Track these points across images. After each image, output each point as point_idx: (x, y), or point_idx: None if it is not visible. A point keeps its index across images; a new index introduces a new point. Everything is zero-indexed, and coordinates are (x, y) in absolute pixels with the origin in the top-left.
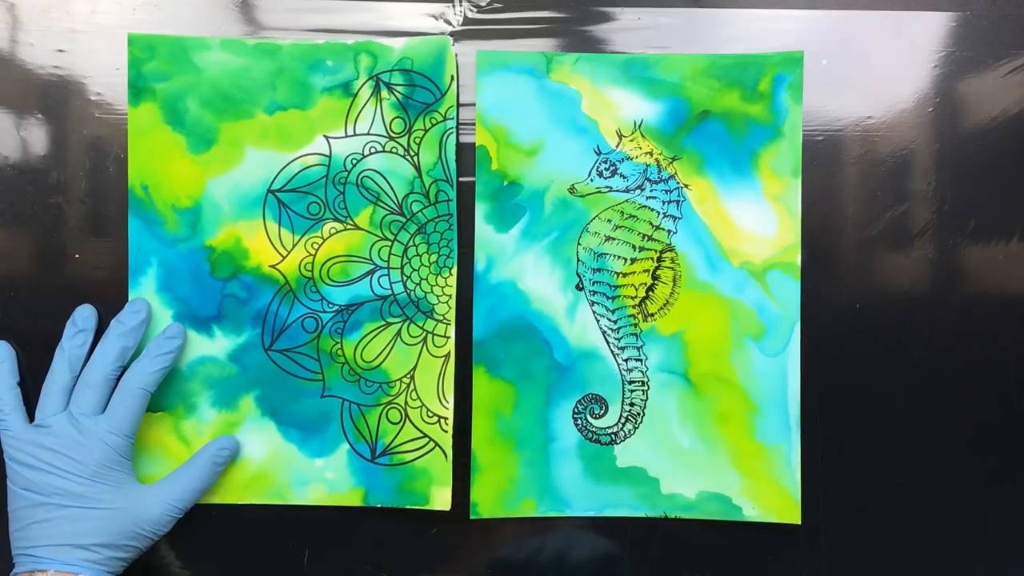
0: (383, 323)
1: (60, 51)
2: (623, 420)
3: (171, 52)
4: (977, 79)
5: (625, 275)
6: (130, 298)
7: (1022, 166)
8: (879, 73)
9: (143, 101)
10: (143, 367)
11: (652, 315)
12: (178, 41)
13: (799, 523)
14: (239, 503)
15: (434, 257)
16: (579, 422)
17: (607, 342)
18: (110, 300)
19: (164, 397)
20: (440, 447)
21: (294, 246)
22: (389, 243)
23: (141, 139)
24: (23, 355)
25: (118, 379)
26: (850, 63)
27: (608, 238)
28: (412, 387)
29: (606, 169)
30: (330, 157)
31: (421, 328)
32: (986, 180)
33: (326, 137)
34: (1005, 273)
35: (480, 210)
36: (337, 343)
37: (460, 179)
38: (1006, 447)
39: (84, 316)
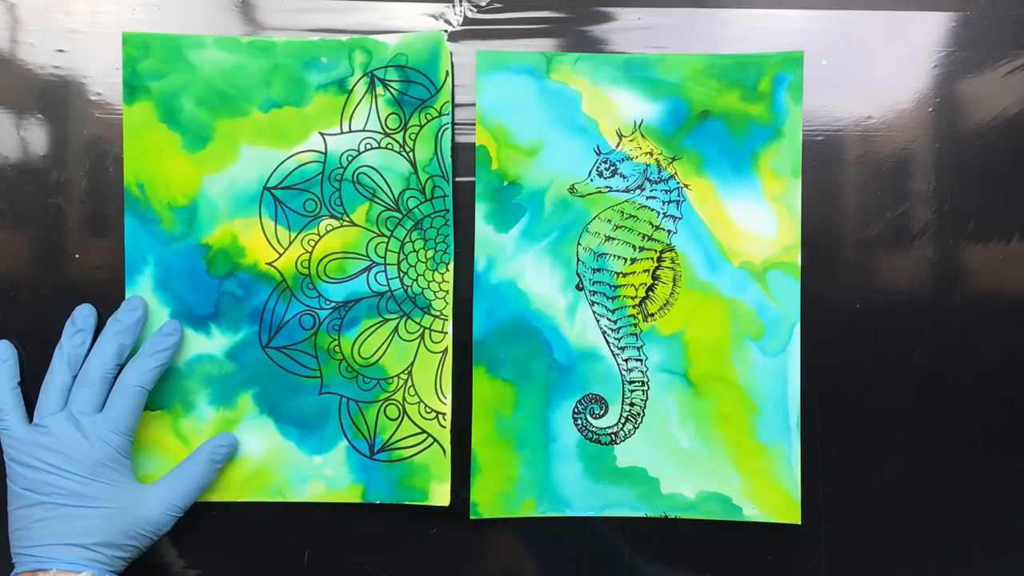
0: (380, 319)
1: (60, 51)
2: (623, 420)
3: (166, 50)
4: (977, 79)
5: (625, 275)
6: (127, 296)
7: (1022, 166)
8: (879, 73)
9: (138, 99)
10: (140, 365)
11: (652, 315)
12: (173, 39)
13: (799, 523)
14: (238, 501)
15: (431, 253)
16: (579, 422)
17: (607, 342)
18: (110, 300)
19: (162, 396)
20: (438, 443)
21: (291, 243)
22: (386, 239)
23: (136, 137)
24: (23, 355)
25: (116, 377)
26: (850, 63)
27: (608, 238)
28: (410, 383)
29: (606, 169)
30: (326, 154)
31: (418, 324)
32: (986, 180)
33: (321, 134)
34: (1005, 273)
35: (480, 210)
36: (334, 340)
37: (460, 179)
38: (1006, 447)
39: (83, 316)
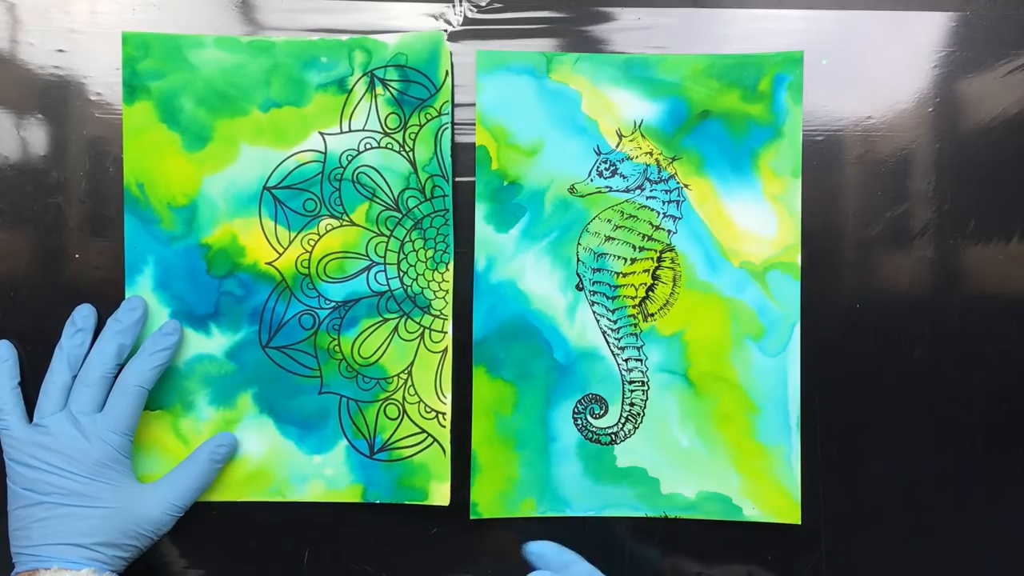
0: (380, 319)
1: (60, 51)
2: (623, 420)
3: (165, 50)
4: (977, 79)
5: (625, 275)
6: (127, 296)
7: (1022, 166)
8: (879, 73)
9: (138, 99)
10: (140, 364)
11: (652, 315)
12: (172, 39)
13: (799, 523)
14: (238, 500)
15: (430, 252)
16: (579, 422)
17: (607, 342)
18: (110, 300)
19: (162, 395)
20: (438, 442)
21: (290, 243)
22: (385, 239)
23: (136, 137)
24: (23, 355)
25: (116, 377)
26: (850, 63)
27: (608, 238)
28: (410, 383)
29: (606, 169)
30: (325, 153)
31: (418, 324)
32: (986, 180)
33: (321, 134)
34: (1005, 273)
35: (480, 210)
36: (334, 339)
37: (460, 179)
38: (1006, 447)
39: (83, 316)
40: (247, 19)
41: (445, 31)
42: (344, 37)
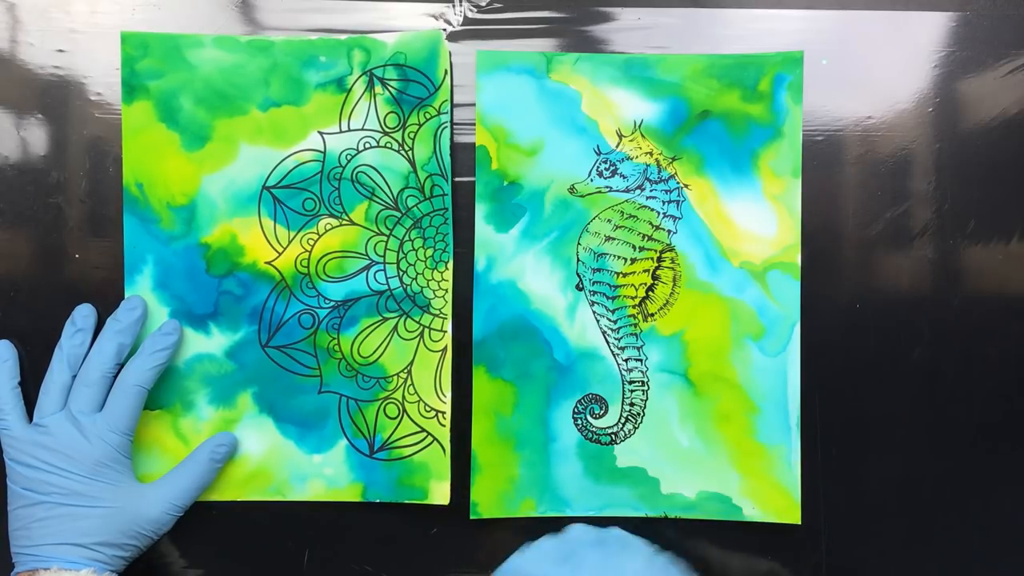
0: (380, 318)
1: (60, 51)
2: (623, 420)
3: (164, 50)
4: (977, 79)
5: (625, 275)
6: (126, 296)
7: (1022, 166)
8: (879, 73)
9: (137, 99)
10: (140, 364)
11: (652, 315)
12: (171, 39)
13: (799, 523)
14: (238, 500)
15: (430, 252)
16: (579, 422)
17: (607, 342)
18: (110, 299)
19: (162, 395)
20: (438, 441)
21: (290, 242)
22: (385, 238)
23: (135, 137)
24: (23, 355)
25: (116, 377)
26: (850, 63)
27: (608, 238)
28: (409, 382)
29: (606, 169)
30: (324, 153)
31: (418, 323)
32: (986, 180)
33: (320, 133)
34: (1005, 273)
35: (480, 210)
36: (334, 339)
37: (460, 179)
38: (1006, 447)
39: (83, 315)
40: (247, 19)
41: (445, 31)
42: (343, 36)
